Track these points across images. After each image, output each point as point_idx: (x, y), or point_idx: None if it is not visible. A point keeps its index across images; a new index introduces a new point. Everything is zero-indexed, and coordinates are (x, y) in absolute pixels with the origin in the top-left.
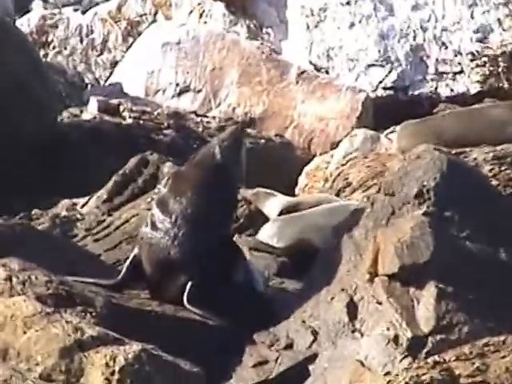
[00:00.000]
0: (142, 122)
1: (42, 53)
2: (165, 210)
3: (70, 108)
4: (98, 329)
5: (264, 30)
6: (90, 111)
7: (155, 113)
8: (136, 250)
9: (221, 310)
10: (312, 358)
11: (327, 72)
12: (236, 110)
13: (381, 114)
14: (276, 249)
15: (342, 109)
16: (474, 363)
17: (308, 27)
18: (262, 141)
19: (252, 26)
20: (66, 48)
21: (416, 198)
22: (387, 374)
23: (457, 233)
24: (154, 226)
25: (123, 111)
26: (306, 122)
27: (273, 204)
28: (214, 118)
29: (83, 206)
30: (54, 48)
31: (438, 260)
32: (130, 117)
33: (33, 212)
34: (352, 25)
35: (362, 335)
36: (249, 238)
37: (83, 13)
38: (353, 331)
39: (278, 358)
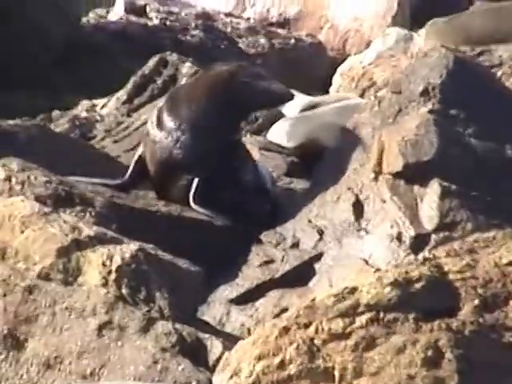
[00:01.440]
0: (168, 22)
1: None
2: (173, 109)
3: (97, 9)
4: (96, 228)
5: None
6: (117, 12)
7: (183, 13)
8: (141, 149)
9: (227, 209)
10: (317, 256)
11: None
12: (270, 11)
13: (419, 13)
14: (286, 148)
15: (377, 9)
16: (463, 259)
17: None
18: (292, 41)
19: None
20: None
21: (422, 95)
22: (377, 270)
23: (462, 130)
24: (159, 125)
25: (150, 12)
26: (341, 22)
27: (293, 103)
28: (247, 19)
29: (103, 107)
30: None
31: (442, 158)
32: (156, 17)
33: (53, 113)
34: None
35: (367, 234)
36: (259, 138)
37: None
38: (358, 230)
39: (283, 257)
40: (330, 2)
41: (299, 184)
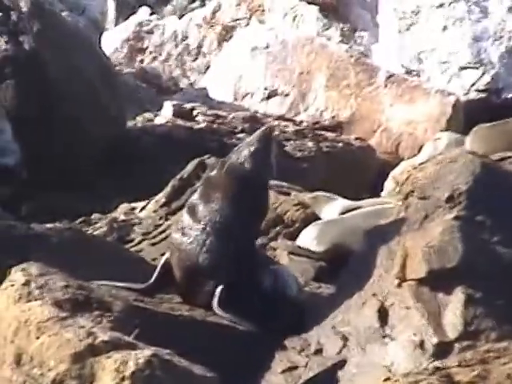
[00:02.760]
0: (215, 126)
1: (138, 58)
2: (194, 215)
3: (146, 113)
4: (111, 333)
5: (357, 33)
6: (164, 115)
7: (230, 117)
8: (167, 255)
9: (250, 316)
10: (341, 363)
11: (418, 75)
12: (323, 114)
13: (472, 117)
14: (314, 253)
15: (431, 112)
16: (474, 369)
17: (400, 30)
18: (340, 144)
19: (346, 29)
20: (161, 54)
21: (447, 202)
22: (387, 379)
23: (488, 237)
24: (183, 232)
25: (197, 115)
26: (394, 125)
27: (331, 208)
28: (300, 122)
29: (141, 210)
30: (150, 53)
31: (467, 265)
32: (203, 121)
33: (92, 216)
34: (445, 27)
35: (391, 341)
36: (288, 243)
37: (179, 18)
38: (383, 337)
39: (307, 364)
40: (384, 105)
41: (327, 289)
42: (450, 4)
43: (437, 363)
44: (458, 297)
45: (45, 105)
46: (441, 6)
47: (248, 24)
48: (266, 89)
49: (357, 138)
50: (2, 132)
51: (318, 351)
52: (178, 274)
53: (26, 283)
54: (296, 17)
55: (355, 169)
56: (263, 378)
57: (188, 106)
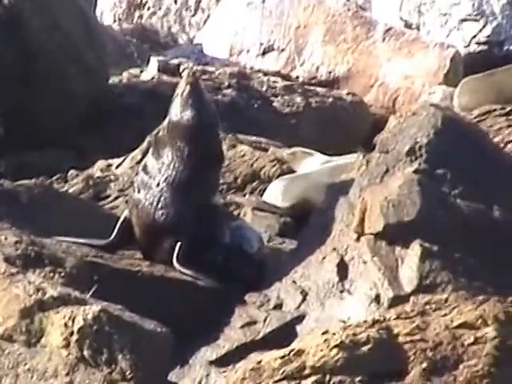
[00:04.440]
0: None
1: (136, 14)
2: (148, 173)
3: (132, 69)
4: (60, 289)
5: None
6: (150, 71)
7: (217, 72)
8: (126, 212)
9: (211, 271)
10: (300, 318)
11: (418, 28)
12: (320, 69)
13: (473, 71)
14: (279, 208)
15: (429, 66)
16: (414, 321)
17: None
18: (330, 99)
19: None
20: (160, 9)
21: (408, 155)
22: (325, 332)
23: (448, 191)
24: (139, 190)
25: (183, 71)
26: (392, 80)
27: (309, 164)
28: (296, 77)
29: (118, 166)
30: (148, 9)
31: (425, 218)
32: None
33: (69, 173)
34: None
35: (349, 295)
36: (253, 198)
37: None
38: (341, 291)
39: (266, 319)
40: (381, 60)
41: (290, 245)
42: None
43: (376, 315)
44: (414, 250)
45: (23, 60)
46: None
47: None
48: (261, 44)
49: (349, 93)
50: None
51: (278, 306)
52: (138, 231)
53: None
54: None
55: (346, 124)
56: (222, 332)
57: (175, 61)
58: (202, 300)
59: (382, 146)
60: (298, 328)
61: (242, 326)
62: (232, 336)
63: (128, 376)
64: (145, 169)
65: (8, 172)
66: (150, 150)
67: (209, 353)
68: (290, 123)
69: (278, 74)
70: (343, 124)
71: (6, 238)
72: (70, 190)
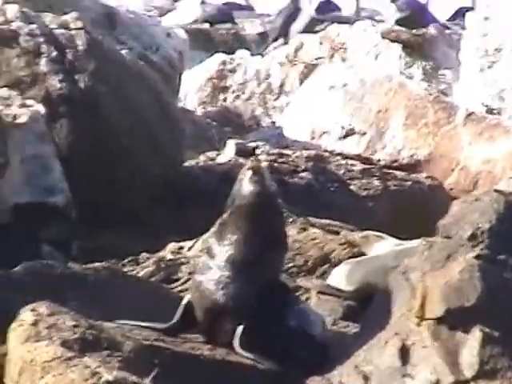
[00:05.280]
0: (276, 164)
1: (221, 97)
2: (210, 255)
3: (209, 152)
4: (117, 373)
5: (440, 71)
6: (227, 154)
7: (293, 155)
8: (189, 295)
9: (273, 355)
10: None
11: (499, 113)
12: (401, 153)
13: None
14: (343, 292)
15: (511, 150)
16: None
17: (481, 68)
18: (408, 183)
19: (428, 67)
20: (244, 92)
21: (470, 240)
22: None
23: (510, 276)
24: (201, 272)
25: (259, 154)
26: (473, 164)
27: (380, 248)
28: (378, 161)
29: (189, 249)
30: (233, 92)
31: (486, 304)
32: (266, 159)
33: (141, 255)
34: None
35: (412, 380)
36: (317, 281)
37: (262, 56)
38: (403, 376)
39: None
40: (463, 143)
41: (354, 328)
42: None
43: None
44: (475, 335)
45: (97, 143)
46: None
47: (329, 62)
48: (342, 128)
49: (428, 177)
50: (52, 171)
51: None
52: (199, 313)
53: (35, 323)
54: (378, 55)
55: (424, 208)
56: None
57: (252, 144)
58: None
59: (445, 231)
60: None
61: None
62: None
63: None
64: (208, 251)
65: (80, 255)
66: (214, 233)
67: None
68: (367, 206)
69: (358, 157)
70: (421, 208)
71: (64, 322)
72: (141, 273)
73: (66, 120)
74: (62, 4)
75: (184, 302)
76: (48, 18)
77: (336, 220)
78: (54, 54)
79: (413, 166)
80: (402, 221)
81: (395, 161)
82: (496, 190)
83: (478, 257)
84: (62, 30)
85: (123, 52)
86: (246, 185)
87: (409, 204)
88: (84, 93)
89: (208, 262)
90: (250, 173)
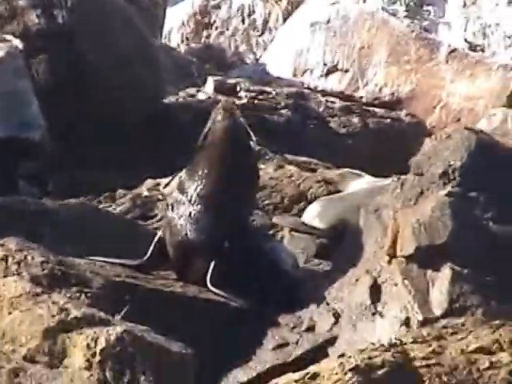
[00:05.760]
0: (256, 101)
1: (204, 34)
2: (181, 191)
3: (189, 88)
4: (85, 309)
5: (424, 8)
6: (206, 91)
7: (274, 92)
8: (160, 232)
9: (244, 292)
10: (331, 340)
11: (482, 50)
12: (383, 90)
13: None
14: (316, 230)
15: (492, 87)
16: (430, 345)
17: (465, 4)
18: (388, 120)
19: (412, 3)
20: (227, 29)
21: (441, 178)
22: (341, 355)
23: (480, 214)
24: (173, 208)
25: (239, 91)
26: (454, 101)
27: (356, 185)
28: (360, 98)
29: (166, 186)
30: (216, 29)
31: (456, 241)
32: (245, 97)
33: (117, 191)
34: (510, 1)
35: (381, 318)
36: (290, 219)
37: None
38: (373, 313)
39: (298, 341)
40: (445, 81)
41: (327, 266)
42: None
43: (393, 339)
44: (445, 273)
45: (75, 79)
46: None
47: None
48: (325, 64)
49: (407, 114)
50: (29, 106)
51: (310, 328)
52: (172, 250)
53: (4, 258)
54: None
55: (404, 146)
56: (254, 354)
57: (231, 81)
58: (235, 321)
59: (417, 168)
60: (330, 350)
61: (274, 348)
62: (263, 358)
63: None
64: (179, 187)
65: (56, 190)
66: (186, 169)
67: (240, 375)
68: (347, 143)
69: (341, 94)
70: (401, 145)
71: (33, 258)
72: (117, 210)
73: (44, 55)
74: None
75: (156, 238)
76: None
77: (315, 157)
78: None
79: (394, 104)
80: (381, 158)
81: (377, 98)
82: (467, 128)
83: (449, 194)
84: None
85: None
86: (217, 122)
87: (388, 141)
88: (62, 28)
89: (179, 198)
90: (221, 111)
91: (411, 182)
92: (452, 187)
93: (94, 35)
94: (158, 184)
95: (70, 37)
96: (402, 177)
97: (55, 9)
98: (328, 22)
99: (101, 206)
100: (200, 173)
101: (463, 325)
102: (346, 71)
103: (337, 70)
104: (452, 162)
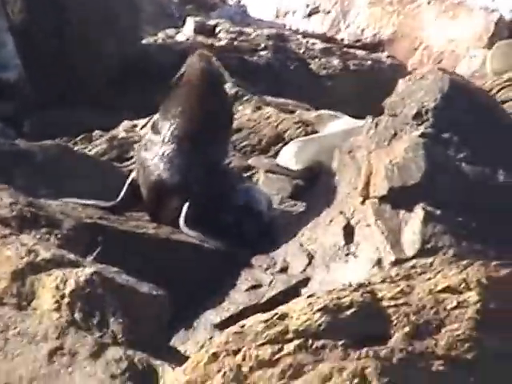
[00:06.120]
0: (236, 43)
1: None
2: (155, 131)
3: (168, 29)
4: (54, 251)
5: None
6: (185, 32)
7: (254, 34)
8: (134, 173)
9: (218, 233)
10: (305, 281)
11: None
12: (365, 32)
13: None
14: (291, 171)
15: (474, 29)
16: (398, 285)
17: None
18: (369, 62)
19: None
20: None
21: (415, 119)
22: (310, 296)
23: (454, 155)
24: (146, 148)
25: (219, 32)
26: (436, 43)
27: (334, 127)
28: (341, 40)
29: (143, 127)
30: None
31: (429, 182)
32: (225, 38)
33: (93, 133)
34: None
35: (354, 258)
36: (265, 160)
37: None
38: (347, 254)
39: (271, 282)
40: (426, 23)
41: (302, 207)
42: None
43: (361, 279)
44: (417, 214)
45: (52, 18)
46: None
47: None
48: (307, 6)
49: (389, 56)
50: (4, 46)
51: (284, 269)
52: (145, 191)
53: None
54: None
55: (384, 88)
56: (227, 295)
57: (211, 22)
58: (208, 262)
59: (391, 110)
60: (303, 291)
61: (247, 289)
62: (237, 299)
63: (119, 339)
64: (153, 126)
65: (32, 131)
66: (160, 110)
67: (213, 316)
68: (326, 85)
69: (323, 36)
70: (381, 87)
71: (1, 199)
72: (94, 151)
73: None
74: None
75: (129, 179)
76: None
77: (294, 99)
78: None
79: (376, 46)
80: (361, 100)
81: (358, 40)
82: (440, 69)
83: (422, 135)
84: None
85: None
86: (192, 64)
87: (369, 83)
88: None
89: (152, 138)
90: (196, 54)
91: (385, 123)
92: (425, 128)
93: None
94: (135, 125)
95: None
96: (376, 118)
97: None
98: None
99: (77, 148)
100: (173, 112)
101: (431, 265)
102: (328, 12)
103: (318, 11)
104: (425, 103)
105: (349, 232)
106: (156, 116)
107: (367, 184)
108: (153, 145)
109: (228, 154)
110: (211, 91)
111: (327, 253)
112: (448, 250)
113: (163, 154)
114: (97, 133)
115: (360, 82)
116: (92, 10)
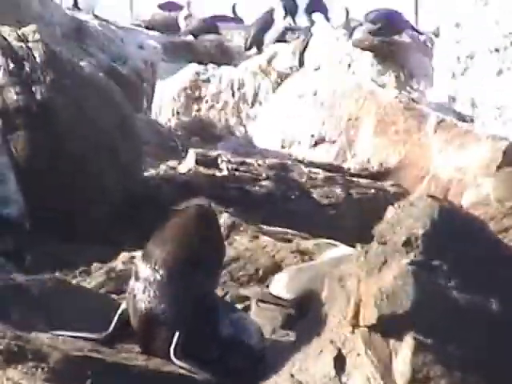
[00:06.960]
0: (238, 173)
1: (194, 107)
2: (147, 261)
3: (170, 161)
4: None
5: (413, 79)
6: (187, 164)
7: (256, 164)
8: (124, 304)
9: (208, 364)
10: None
11: (472, 121)
12: (371, 161)
13: None
14: (283, 300)
15: (482, 158)
16: None
17: (454, 75)
18: (372, 191)
19: (401, 75)
20: (218, 102)
21: (404, 246)
22: None
23: (444, 282)
24: (136, 278)
25: (221, 163)
26: (443, 172)
27: (330, 255)
28: (348, 169)
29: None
30: (206, 102)
31: (419, 310)
32: (226, 168)
33: (93, 266)
34: (500, 72)
35: None
36: (257, 289)
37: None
38: None
39: None
40: (433, 151)
41: (293, 337)
42: (505, 49)
43: None
44: (407, 343)
45: (54, 155)
46: (496, 50)
47: (302, 71)
48: (312, 136)
49: (393, 185)
50: (6, 183)
51: None
52: (135, 322)
53: None
54: (351, 63)
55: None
56: None
57: (213, 153)
58: None
59: (380, 237)
60: None
61: None
62: None
63: None
64: (143, 256)
65: (33, 266)
66: (152, 238)
67: None
68: (329, 214)
69: (329, 165)
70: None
71: None
72: (92, 284)
73: (23, 132)
74: (31, 19)
75: (119, 310)
76: (6, 30)
77: (296, 228)
78: (12, 66)
79: (383, 175)
80: (365, 229)
81: (365, 169)
82: (430, 196)
83: (411, 263)
84: (20, 43)
85: (91, 64)
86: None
87: (372, 212)
88: (41, 105)
89: (142, 269)
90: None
91: (375, 251)
92: (414, 256)
93: (74, 112)
94: (133, 257)
95: (49, 113)
96: (366, 245)
97: (34, 85)
98: (315, 93)
99: (75, 281)
100: (165, 243)
101: None
102: (334, 142)
103: (324, 141)
104: (414, 230)
105: (340, 362)
106: (149, 245)
107: (357, 312)
108: (142, 274)
109: (218, 284)
110: (203, 223)
111: (319, 383)
112: (440, 380)
113: (152, 282)
114: (96, 265)
115: (363, 210)
116: (94, 145)
